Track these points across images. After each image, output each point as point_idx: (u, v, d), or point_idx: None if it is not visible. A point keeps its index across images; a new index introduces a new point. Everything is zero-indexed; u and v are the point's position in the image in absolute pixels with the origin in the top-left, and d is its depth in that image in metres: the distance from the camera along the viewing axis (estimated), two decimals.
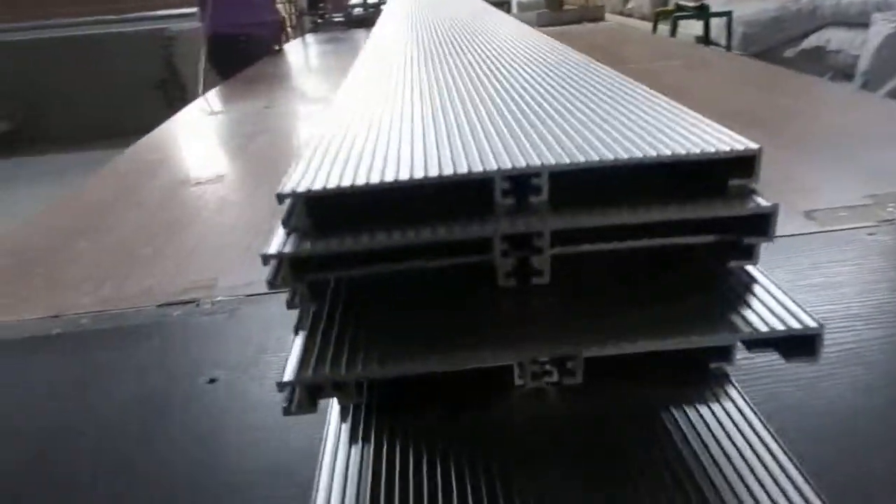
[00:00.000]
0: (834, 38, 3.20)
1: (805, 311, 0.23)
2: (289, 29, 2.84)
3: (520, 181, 0.26)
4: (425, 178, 0.25)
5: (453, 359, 0.23)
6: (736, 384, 0.31)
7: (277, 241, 0.25)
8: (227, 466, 0.40)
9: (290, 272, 0.24)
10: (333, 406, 0.33)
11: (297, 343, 0.25)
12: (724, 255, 0.26)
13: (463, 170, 0.25)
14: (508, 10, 3.92)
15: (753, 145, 0.26)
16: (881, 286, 0.54)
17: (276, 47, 2.59)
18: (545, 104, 0.35)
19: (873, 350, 0.45)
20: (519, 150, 0.27)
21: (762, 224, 0.25)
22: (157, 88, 5.05)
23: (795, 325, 0.23)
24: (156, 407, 0.47)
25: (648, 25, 4.46)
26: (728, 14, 3.53)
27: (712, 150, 0.25)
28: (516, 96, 0.38)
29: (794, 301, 0.24)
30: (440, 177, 0.25)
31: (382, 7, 3.42)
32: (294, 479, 0.39)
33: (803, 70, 3.54)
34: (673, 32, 3.66)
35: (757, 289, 0.25)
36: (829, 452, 0.34)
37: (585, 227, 0.25)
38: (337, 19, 3.21)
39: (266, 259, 0.24)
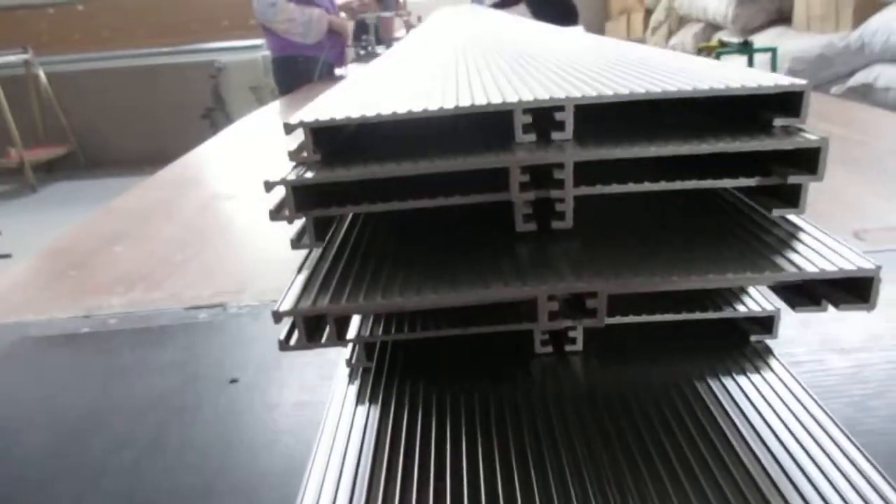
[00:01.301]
0: (883, 74, 3.13)
1: (857, 253, 0.21)
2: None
3: (542, 117, 0.24)
4: (440, 110, 0.23)
5: (460, 293, 0.21)
6: (781, 360, 0.28)
7: (284, 172, 0.24)
8: (242, 466, 0.38)
9: (295, 204, 0.23)
10: (340, 368, 0.31)
11: (299, 279, 0.24)
12: (766, 201, 0.24)
13: (481, 102, 0.24)
14: None
15: (800, 81, 0.24)
16: None
17: (338, 70, 2.65)
18: (577, 61, 0.34)
19: None
20: (541, 87, 0.25)
21: (810, 162, 0.22)
22: (203, 118, 5.20)
23: (848, 266, 0.20)
24: (176, 405, 0.47)
25: None
26: (773, 50, 3.49)
27: (754, 84, 0.23)
28: (546, 53, 0.37)
29: (842, 244, 0.22)
30: (456, 108, 0.23)
31: None
32: None
33: None
34: None
35: (802, 235, 0.23)
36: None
37: (611, 163, 0.23)
38: (381, 51, 3.28)
39: (269, 186, 0.22)
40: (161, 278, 0.72)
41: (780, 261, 0.21)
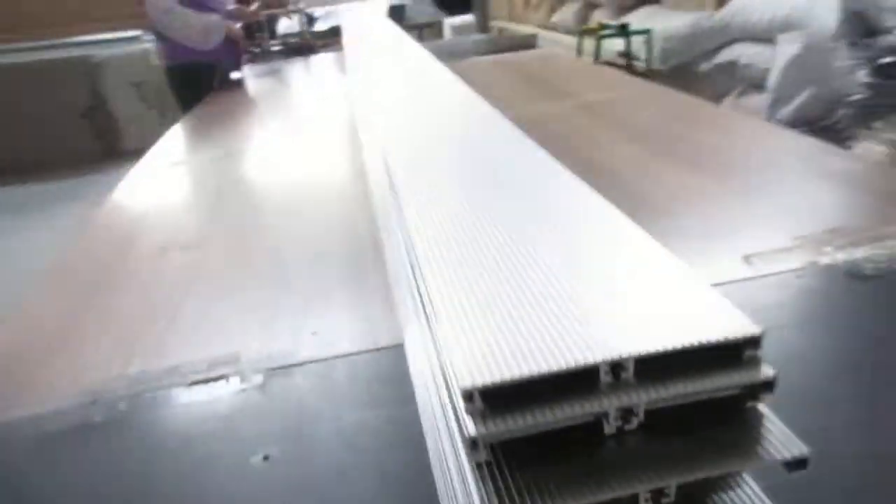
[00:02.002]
0: (744, 53, 3.46)
1: (796, 440, 0.32)
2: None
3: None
4: (565, 369, 0.32)
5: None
6: None
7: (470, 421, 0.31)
8: None
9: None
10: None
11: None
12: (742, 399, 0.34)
13: (580, 363, 0.32)
14: (440, 33, 4.04)
15: (757, 329, 0.34)
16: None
17: (235, 75, 2.62)
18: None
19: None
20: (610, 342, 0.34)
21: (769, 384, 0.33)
22: (83, 117, 4.92)
23: (788, 455, 0.31)
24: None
25: (573, 41, 4.67)
26: (647, 32, 3.76)
27: (731, 336, 0.33)
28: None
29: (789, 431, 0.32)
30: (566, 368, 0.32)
31: (320, 36, 3.48)
32: None
33: (718, 81, 3.81)
34: (598, 49, 3.87)
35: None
36: None
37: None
38: (275, 48, 3.24)
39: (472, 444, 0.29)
40: None
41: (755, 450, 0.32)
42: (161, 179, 1.46)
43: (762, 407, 0.31)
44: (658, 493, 0.29)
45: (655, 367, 0.30)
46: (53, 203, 4.00)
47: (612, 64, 4.06)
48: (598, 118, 1.46)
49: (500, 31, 6.91)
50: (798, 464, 0.29)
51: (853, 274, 0.74)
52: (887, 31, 2.26)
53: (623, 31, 3.76)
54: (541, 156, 0.64)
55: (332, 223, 1.04)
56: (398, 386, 0.59)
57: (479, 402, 0.28)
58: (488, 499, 0.29)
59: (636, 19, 4.43)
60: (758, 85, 3.44)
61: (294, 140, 1.64)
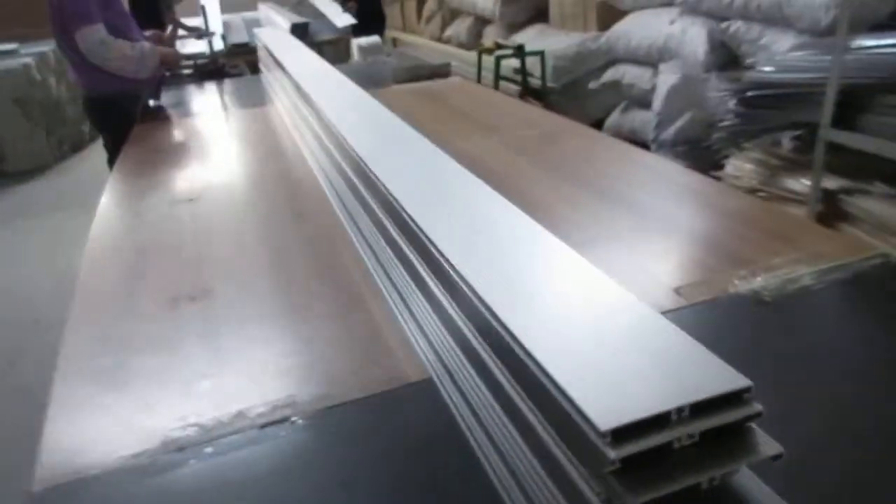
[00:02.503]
0: (627, 73, 3.84)
1: (775, 443, 0.53)
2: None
3: None
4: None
5: None
6: None
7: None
8: None
9: None
10: None
11: None
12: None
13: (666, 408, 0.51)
14: (347, 52, 4.15)
15: (749, 382, 0.54)
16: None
17: (153, 102, 2.61)
18: None
19: None
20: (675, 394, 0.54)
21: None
22: None
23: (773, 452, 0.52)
24: None
25: (466, 55, 4.94)
26: (541, 53, 4.07)
27: (727, 389, 0.53)
28: None
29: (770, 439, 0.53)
30: None
31: (230, 58, 3.49)
32: None
33: (605, 97, 4.19)
34: (497, 68, 4.14)
35: None
36: None
37: None
38: (186, 72, 3.23)
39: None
40: None
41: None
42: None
43: (754, 426, 0.51)
44: (710, 480, 0.49)
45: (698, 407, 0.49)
46: None
47: (508, 79, 4.36)
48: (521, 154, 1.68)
49: (395, 41, 7.10)
50: (777, 457, 0.49)
51: (757, 301, 0.98)
52: (749, 64, 2.65)
53: (519, 51, 4.05)
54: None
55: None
56: None
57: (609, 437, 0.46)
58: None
59: (526, 38, 4.75)
60: (639, 102, 3.84)
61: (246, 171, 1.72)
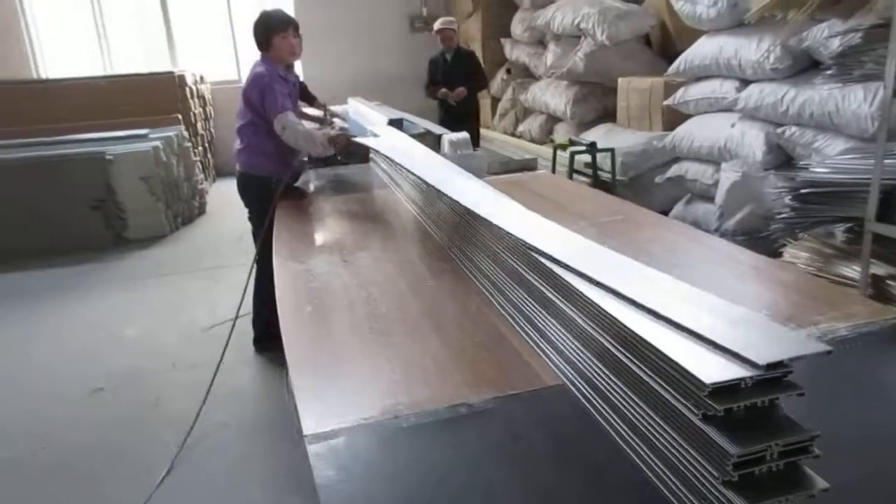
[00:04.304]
0: (690, 169, 4.23)
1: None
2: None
3: None
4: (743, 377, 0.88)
5: None
6: None
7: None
8: None
9: None
10: None
11: None
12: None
13: (738, 375, 0.88)
14: (437, 145, 4.69)
15: (826, 347, 0.91)
16: None
17: (296, 183, 3.10)
18: None
19: None
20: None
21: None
22: (94, 209, 5.29)
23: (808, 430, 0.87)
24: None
25: (537, 148, 5.43)
26: (612, 151, 4.52)
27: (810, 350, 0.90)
28: None
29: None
30: None
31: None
32: None
33: (669, 190, 4.57)
34: (571, 162, 4.60)
35: None
36: None
37: None
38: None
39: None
40: None
41: None
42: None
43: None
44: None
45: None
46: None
47: (580, 172, 4.80)
48: (609, 237, 2.06)
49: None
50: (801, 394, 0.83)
51: None
52: (803, 164, 3.00)
53: (591, 147, 4.50)
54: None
55: None
56: None
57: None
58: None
59: (596, 135, 5.23)
60: (701, 195, 4.21)
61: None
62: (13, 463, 2.51)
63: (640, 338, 0.95)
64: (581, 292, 1.14)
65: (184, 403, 2.75)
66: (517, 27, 6.99)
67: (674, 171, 4.37)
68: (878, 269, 2.52)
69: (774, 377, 0.81)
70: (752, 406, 0.80)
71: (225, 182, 7.82)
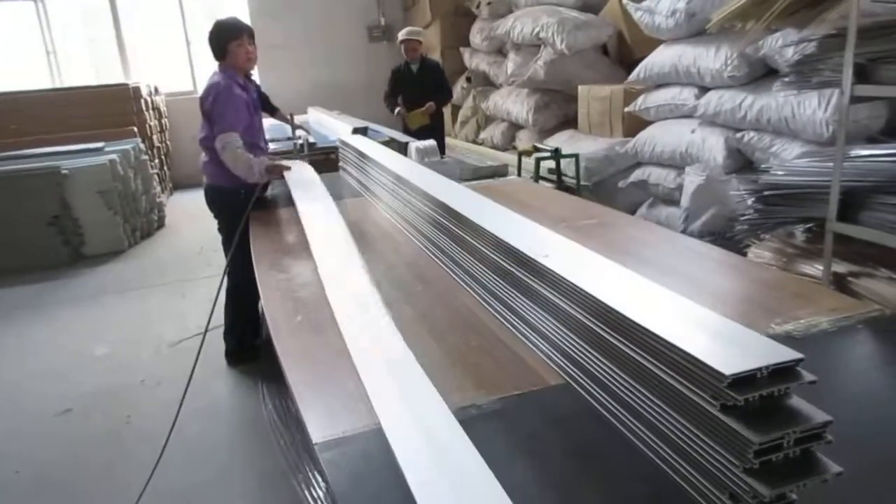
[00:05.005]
0: (653, 173, 4.34)
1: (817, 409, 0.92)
2: None
3: None
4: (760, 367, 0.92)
5: None
6: None
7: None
8: None
9: None
10: None
11: None
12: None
13: (750, 367, 0.92)
14: (404, 153, 4.69)
15: (800, 355, 0.94)
16: None
17: (265, 194, 3.06)
18: None
19: None
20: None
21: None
22: (49, 225, 5.13)
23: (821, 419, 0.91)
24: None
25: (502, 156, 5.49)
26: (576, 156, 4.60)
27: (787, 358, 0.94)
28: None
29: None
30: None
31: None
32: None
33: (632, 194, 4.68)
34: (537, 168, 4.67)
35: None
36: None
37: None
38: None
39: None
40: None
41: None
42: None
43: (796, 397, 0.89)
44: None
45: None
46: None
47: (544, 178, 4.87)
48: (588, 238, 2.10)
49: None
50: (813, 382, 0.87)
51: (790, 337, 1.37)
52: (763, 167, 3.11)
53: (556, 154, 4.58)
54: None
55: None
56: None
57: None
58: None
59: (558, 142, 5.31)
60: (664, 199, 4.32)
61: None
62: None
63: (651, 332, 0.98)
64: (582, 289, 1.16)
65: (157, 420, 2.68)
66: (476, 36, 7.08)
67: (636, 175, 4.47)
68: (839, 267, 2.63)
69: (788, 366, 0.85)
70: (768, 395, 0.83)
71: (183, 194, 7.69)
